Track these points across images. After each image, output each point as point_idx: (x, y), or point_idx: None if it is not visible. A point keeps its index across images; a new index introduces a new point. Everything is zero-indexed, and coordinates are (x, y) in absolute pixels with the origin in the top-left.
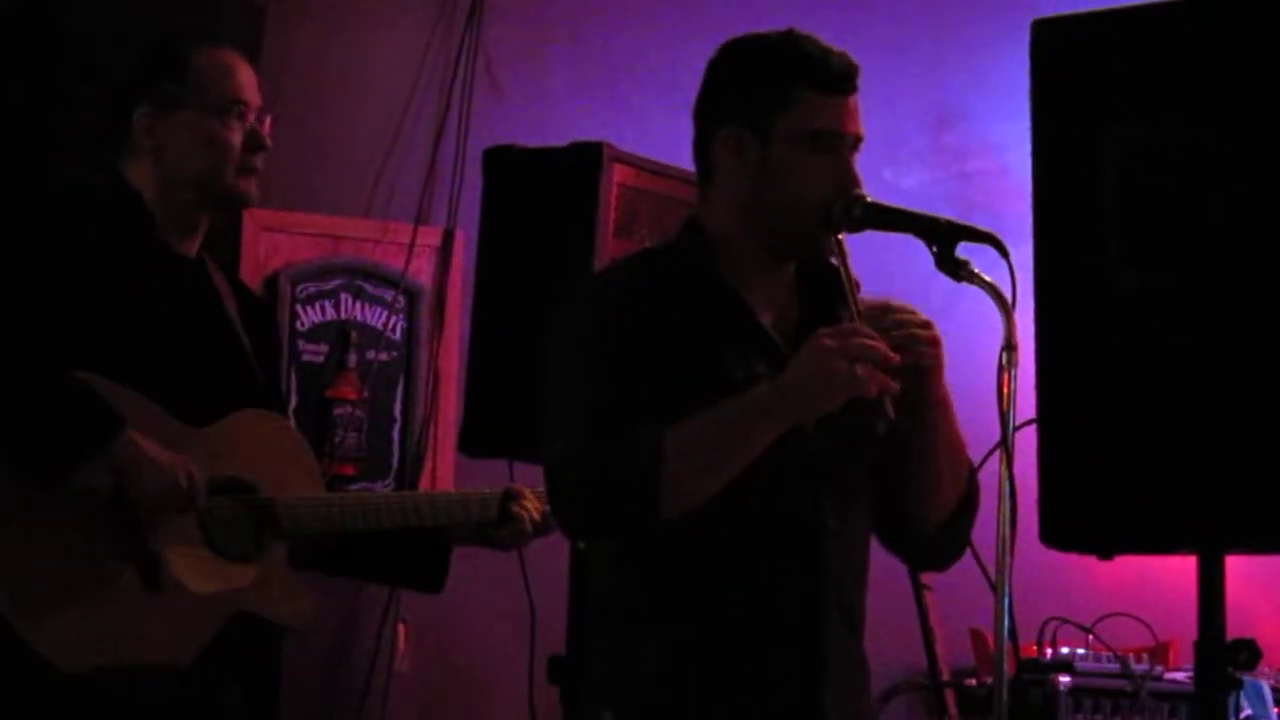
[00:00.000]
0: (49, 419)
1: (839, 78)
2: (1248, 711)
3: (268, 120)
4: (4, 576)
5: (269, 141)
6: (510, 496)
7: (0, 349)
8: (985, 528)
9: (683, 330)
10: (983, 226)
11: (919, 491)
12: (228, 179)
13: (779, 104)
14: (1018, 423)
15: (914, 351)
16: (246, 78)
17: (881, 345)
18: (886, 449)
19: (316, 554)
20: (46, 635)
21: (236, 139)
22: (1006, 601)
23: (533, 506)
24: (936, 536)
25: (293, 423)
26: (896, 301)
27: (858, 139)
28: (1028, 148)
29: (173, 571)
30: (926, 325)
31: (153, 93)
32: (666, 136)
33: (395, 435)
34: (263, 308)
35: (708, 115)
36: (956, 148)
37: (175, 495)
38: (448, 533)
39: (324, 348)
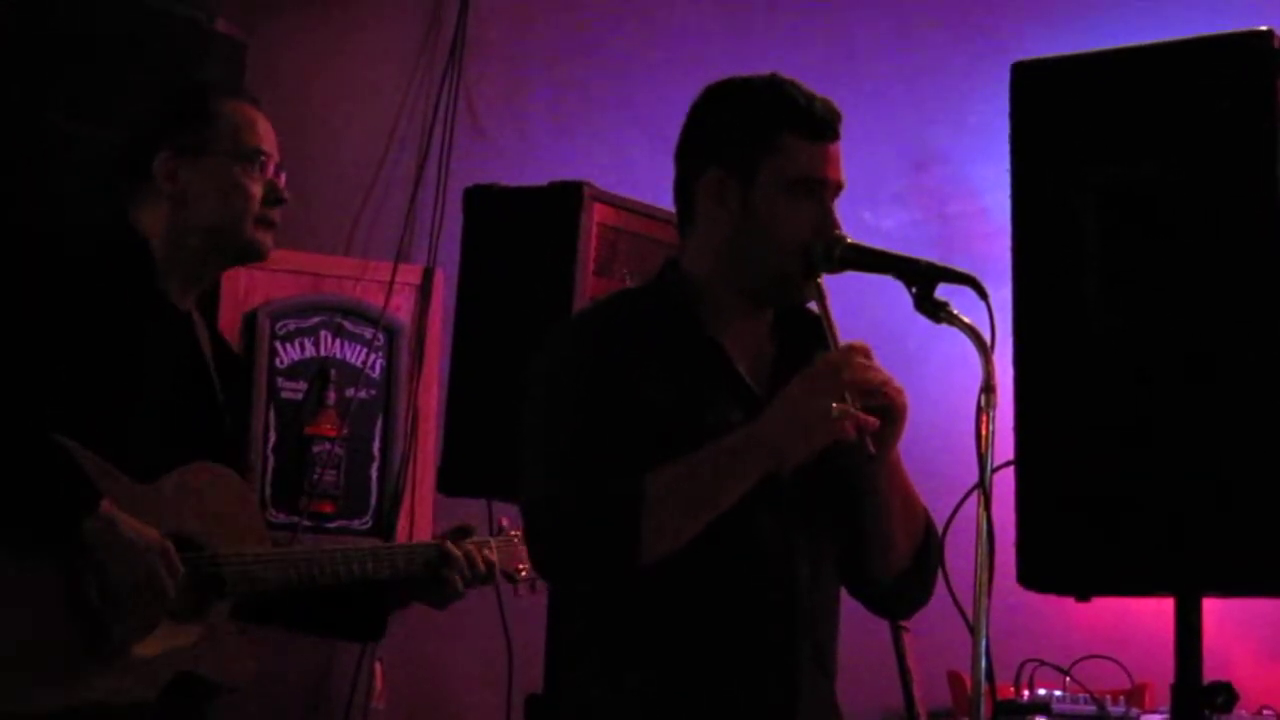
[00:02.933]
0: (23, 490)
1: (822, 124)
2: None
3: (283, 175)
4: None
5: (286, 195)
6: (444, 557)
7: None
8: (963, 569)
9: (659, 375)
10: (962, 268)
11: (875, 545)
12: (247, 229)
13: (762, 149)
14: (996, 464)
15: (884, 395)
16: (266, 129)
17: (855, 389)
18: (850, 499)
19: (258, 609)
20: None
21: (258, 190)
22: (984, 643)
23: (475, 558)
24: (896, 588)
25: (256, 468)
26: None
27: (839, 186)
28: (1007, 190)
29: (119, 633)
30: (890, 377)
31: (178, 137)
32: (647, 176)
33: (374, 473)
34: (236, 361)
35: (690, 158)
36: (936, 189)
37: (153, 586)
38: (386, 589)
39: (303, 385)
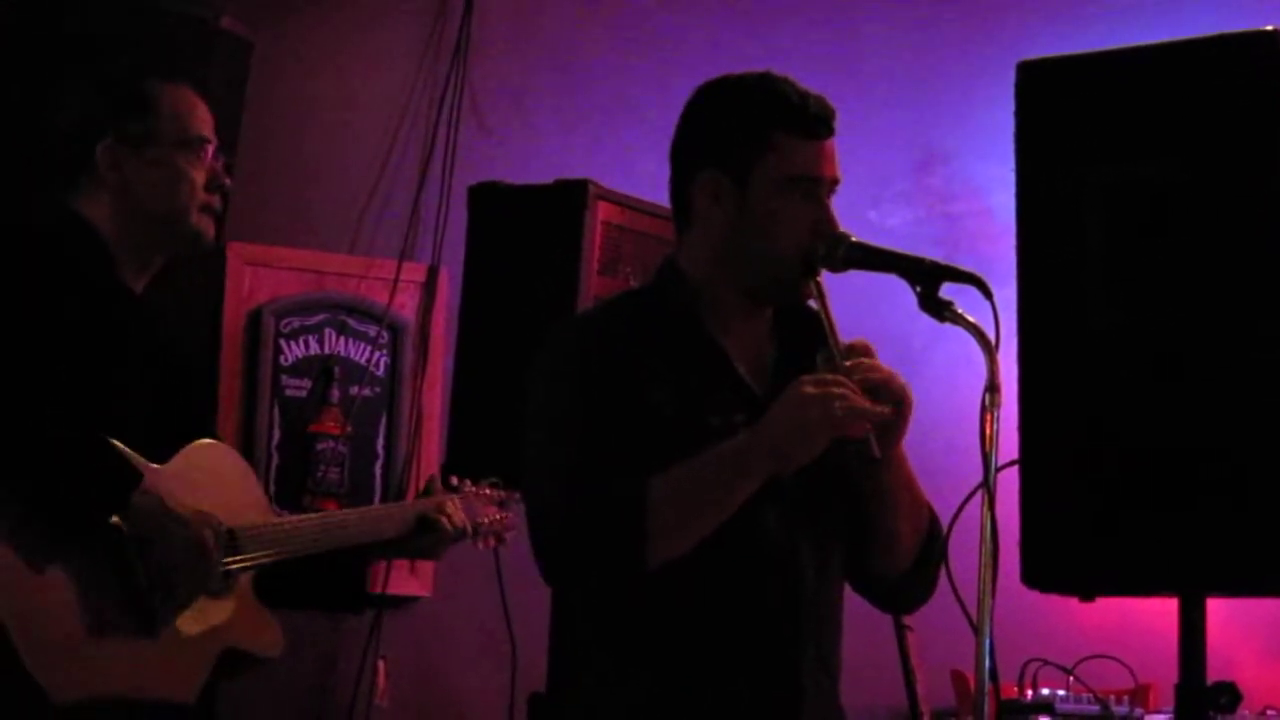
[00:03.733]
0: (69, 474)
1: (816, 122)
2: None
3: (222, 161)
4: (16, 609)
5: (227, 182)
6: (427, 514)
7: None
8: (967, 569)
9: (661, 377)
10: (966, 267)
11: (879, 543)
12: (191, 218)
13: (756, 149)
14: (1000, 464)
15: (889, 394)
16: (205, 115)
17: (858, 393)
18: (854, 497)
19: (271, 586)
20: (48, 668)
21: (201, 177)
22: (987, 642)
23: (452, 513)
24: (900, 585)
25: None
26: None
27: (835, 182)
28: (1012, 189)
29: (166, 614)
30: (895, 375)
31: (119, 126)
32: (651, 175)
33: (378, 470)
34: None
35: (684, 158)
36: (941, 189)
37: (203, 557)
38: (368, 550)
39: (307, 383)
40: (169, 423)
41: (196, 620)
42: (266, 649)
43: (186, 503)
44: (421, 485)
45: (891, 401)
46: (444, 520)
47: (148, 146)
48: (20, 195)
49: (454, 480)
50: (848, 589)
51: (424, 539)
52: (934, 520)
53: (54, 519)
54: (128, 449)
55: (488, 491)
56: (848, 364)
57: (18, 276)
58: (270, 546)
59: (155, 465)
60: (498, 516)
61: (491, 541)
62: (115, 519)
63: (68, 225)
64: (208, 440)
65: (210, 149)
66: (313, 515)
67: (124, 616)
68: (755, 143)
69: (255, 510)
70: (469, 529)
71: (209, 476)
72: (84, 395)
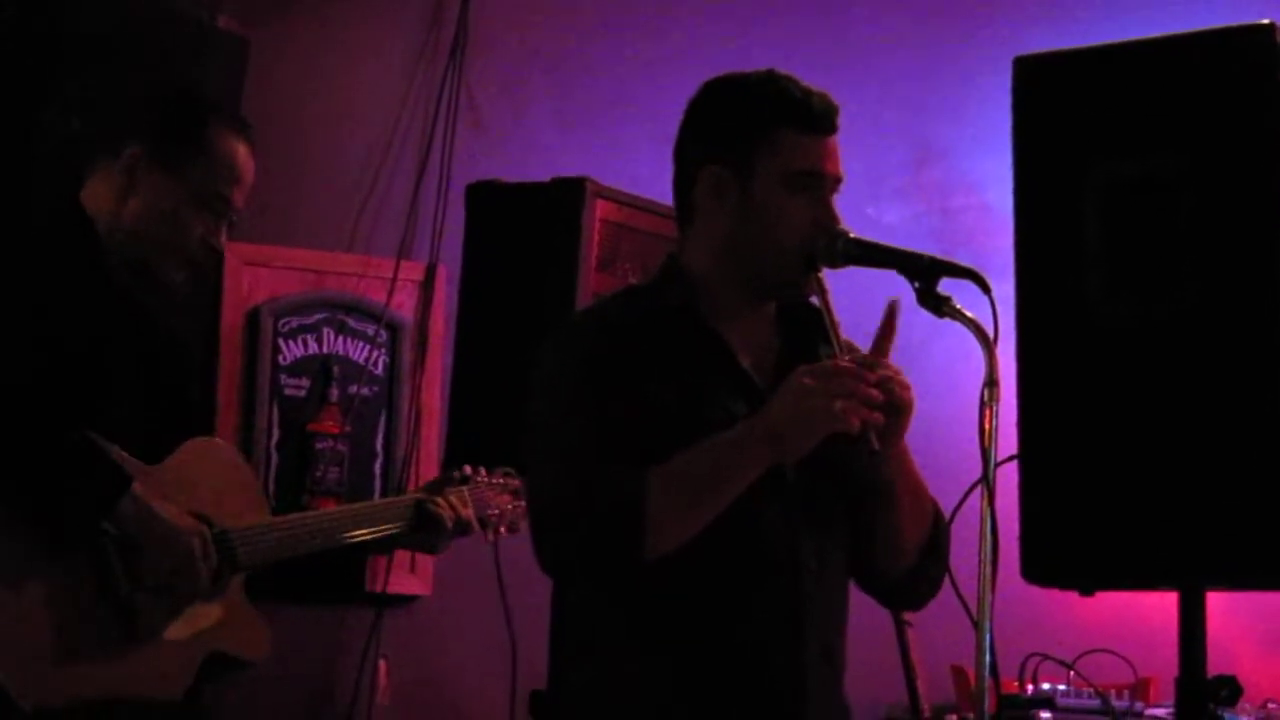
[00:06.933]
0: (56, 476)
1: (819, 118)
2: None
3: (227, 226)
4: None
5: (222, 247)
6: (428, 517)
7: (8, 403)
8: (967, 564)
9: (663, 371)
10: (964, 262)
11: (884, 538)
12: (164, 260)
13: (759, 145)
14: (999, 459)
15: (889, 392)
16: (245, 175)
17: (862, 383)
18: (857, 493)
19: (265, 581)
20: (20, 675)
21: (197, 232)
22: (988, 637)
23: (456, 505)
24: (905, 581)
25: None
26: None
27: (837, 179)
28: (1009, 184)
29: (149, 618)
30: (897, 370)
31: (158, 141)
32: (649, 172)
33: (377, 469)
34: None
35: (687, 155)
36: (938, 184)
37: (192, 568)
38: (365, 544)
39: (306, 382)
40: (163, 421)
41: (184, 624)
42: (253, 651)
43: (180, 502)
44: (423, 482)
45: (893, 400)
46: (443, 513)
47: (168, 174)
48: (19, 185)
49: (466, 470)
50: (852, 585)
51: (423, 533)
52: (939, 516)
53: (40, 523)
54: (118, 450)
55: (500, 480)
56: (850, 360)
57: (7, 270)
58: (265, 547)
59: (147, 465)
60: (510, 505)
61: (504, 531)
62: (103, 524)
63: (66, 216)
64: (203, 438)
65: (228, 210)
66: (309, 513)
67: (107, 622)
68: (758, 139)
69: (251, 508)
70: (474, 521)
71: (203, 475)
72: (74, 394)
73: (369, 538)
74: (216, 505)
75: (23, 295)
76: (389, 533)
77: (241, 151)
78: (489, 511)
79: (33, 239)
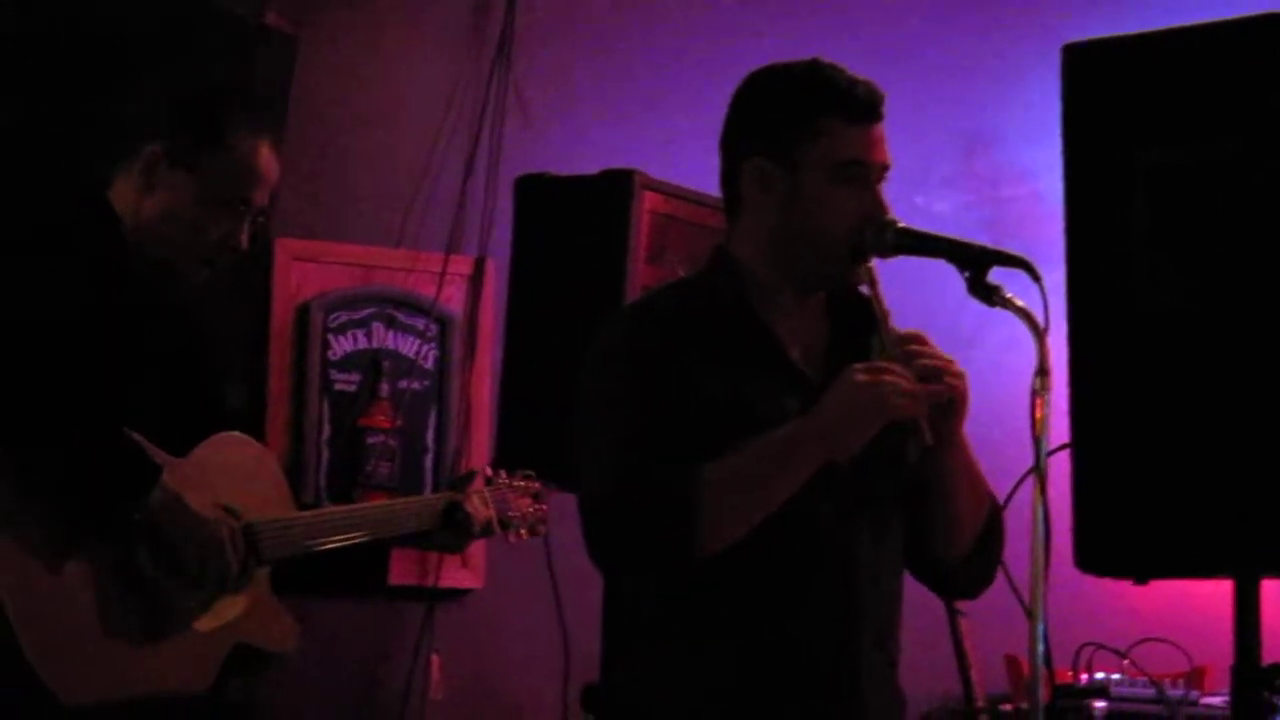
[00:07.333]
0: (87, 466)
1: (865, 107)
2: None
3: (251, 226)
4: (22, 609)
5: (243, 247)
6: (452, 517)
7: (41, 388)
8: (1019, 553)
9: (713, 364)
10: (1015, 251)
11: (940, 527)
12: (184, 259)
13: (805, 135)
14: (1051, 448)
15: (943, 384)
16: (266, 176)
17: (910, 380)
18: (912, 484)
19: (289, 575)
20: (54, 668)
21: (216, 232)
22: (1041, 627)
23: (478, 508)
24: (960, 569)
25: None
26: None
27: (885, 167)
28: (1059, 172)
29: (178, 609)
30: (951, 360)
31: (177, 140)
32: (697, 163)
33: (428, 464)
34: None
35: (734, 147)
36: (988, 173)
37: (222, 560)
38: (391, 541)
39: (356, 377)
40: (188, 418)
41: (211, 616)
42: (279, 645)
43: (205, 496)
44: (479, 467)
45: (947, 387)
46: (470, 514)
47: (188, 172)
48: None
49: (488, 472)
50: (906, 575)
51: (447, 533)
52: (994, 505)
53: (71, 513)
54: (146, 442)
55: (522, 483)
56: (902, 350)
57: (42, 263)
58: (290, 540)
59: (173, 458)
60: (530, 509)
61: (524, 534)
62: (133, 514)
63: (94, 213)
64: (227, 433)
65: (248, 212)
66: (336, 509)
67: (136, 613)
68: (804, 129)
69: (275, 503)
70: (494, 522)
71: (228, 469)
72: (102, 388)
73: (394, 535)
74: (240, 498)
75: (53, 290)
76: (415, 531)
77: (263, 152)
78: (510, 513)
79: (65, 236)
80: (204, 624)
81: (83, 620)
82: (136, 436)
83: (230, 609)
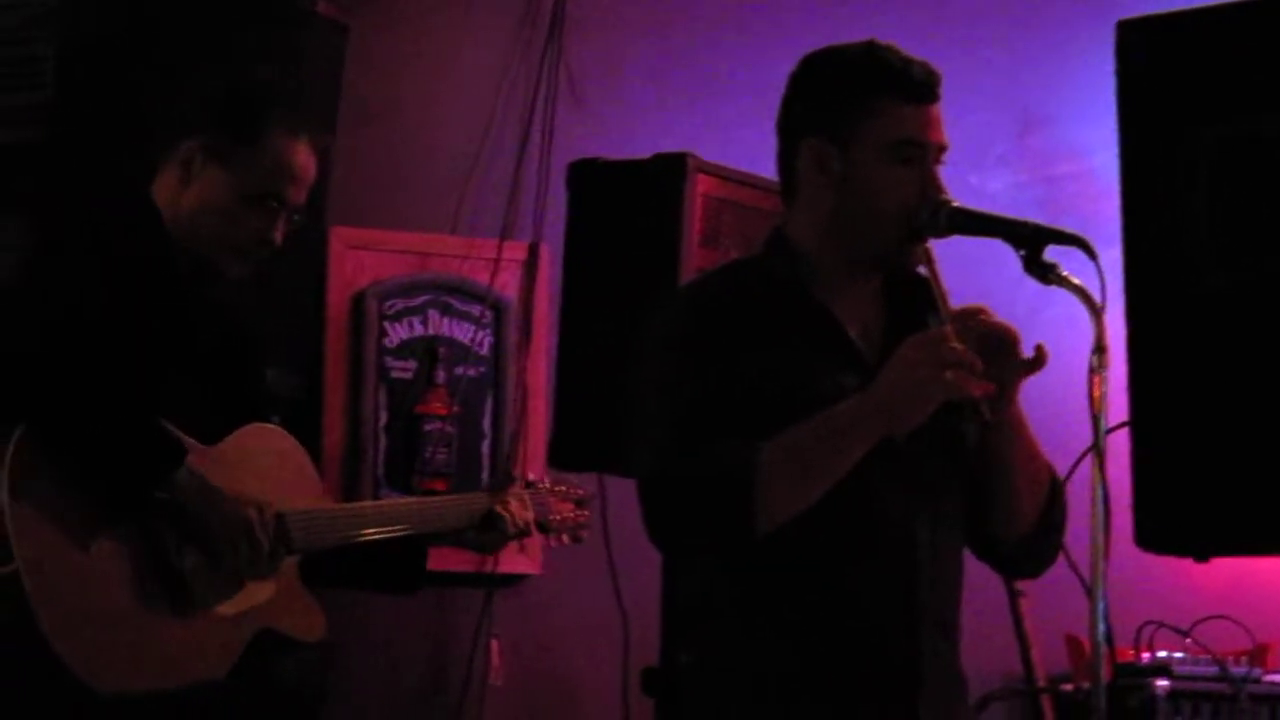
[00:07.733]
0: (113, 447)
1: (920, 87)
2: None
3: (286, 223)
4: (42, 585)
5: (278, 243)
6: (491, 516)
7: (68, 371)
8: (1079, 532)
9: (771, 343)
10: (1070, 229)
11: (1000, 506)
12: (220, 254)
13: (861, 115)
14: (1109, 426)
15: (1002, 357)
16: (302, 173)
17: (969, 352)
18: (971, 465)
19: (320, 567)
20: (82, 655)
21: (251, 228)
22: (1102, 606)
23: (516, 511)
24: (1021, 547)
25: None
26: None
27: (941, 148)
28: (1114, 150)
29: (202, 591)
30: (1011, 332)
31: (214, 135)
32: (750, 146)
33: (485, 450)
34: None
35: (790, 128)
36: (1042, 151)
37: (248, 535)
38: (426, 538)
39: (412, 364)
40: (224, 410)
41: (236, 601)
42: (306, 633)
43: (233, 485)
44: (520, 472)
45: (1007, 350)
46: (507, 516)
47: (222, 169)
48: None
49: (530, 477)
50: (967, 555)
51: (485, 533)
52: (1055, 482)
53: (96, 493)
54: (174, 429)
55: (564, 488)
56: (958, 311)
57: (84, 253)
58: (321, 531)
59: (203, 446)
60: (572, 514)
61: (565, 539)
62: (158, 495)
63: (136, 207)
64: (259, 424)
65: (285, 209)
66: (368, 503)
67: (160, 595)
68: (860, 109)
69: (307, 495)
70: (532, 524)
71: (259, 460)
72: (134, 376)
73: (428, 531)
74: (271, 488)
75: (89, 282)
76: (451, 528)
77: (299, 150)
78: (550, 516)
79: (103, 231)
80: (229, 608)
81: (106, 598)
82: (167, 424)
83: (256, 594)
